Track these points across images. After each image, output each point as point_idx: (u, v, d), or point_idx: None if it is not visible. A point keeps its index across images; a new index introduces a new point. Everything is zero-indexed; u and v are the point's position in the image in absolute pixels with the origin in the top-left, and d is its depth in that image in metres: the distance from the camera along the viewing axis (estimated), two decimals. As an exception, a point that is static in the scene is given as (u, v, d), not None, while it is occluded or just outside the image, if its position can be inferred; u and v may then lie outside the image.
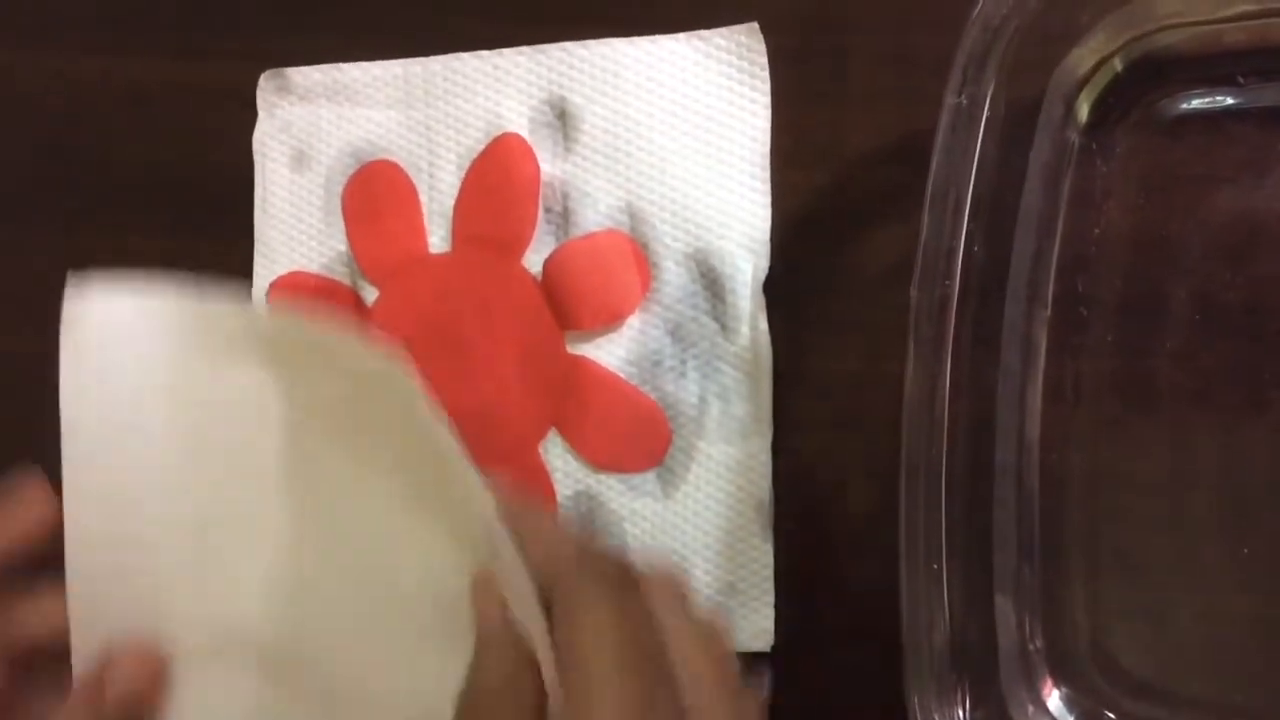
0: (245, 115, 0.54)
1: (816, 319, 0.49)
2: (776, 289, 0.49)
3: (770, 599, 0.48)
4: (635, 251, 0.50)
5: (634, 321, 0.50)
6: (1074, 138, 0.45)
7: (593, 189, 0.50)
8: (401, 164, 0.53)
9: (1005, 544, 0.44)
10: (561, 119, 0.51)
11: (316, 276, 0.54)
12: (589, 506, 0.50)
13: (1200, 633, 0.44)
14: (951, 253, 0.41)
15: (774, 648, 0.48)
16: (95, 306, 0.41)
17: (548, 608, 0.35)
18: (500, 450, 0.50)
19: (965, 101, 0.41)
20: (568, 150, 0.51)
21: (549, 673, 0.35)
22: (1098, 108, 0.45)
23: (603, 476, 0.50)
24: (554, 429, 0.51)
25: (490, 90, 0.52)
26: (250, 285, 0.54)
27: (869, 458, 0.46)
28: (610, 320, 0.50)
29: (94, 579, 0.41)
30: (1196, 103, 0.44)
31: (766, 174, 0.49)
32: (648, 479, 0.50)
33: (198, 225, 0.55)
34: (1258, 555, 0.43)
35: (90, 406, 0.42)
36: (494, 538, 0.36)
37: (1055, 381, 0.45)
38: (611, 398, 0.50)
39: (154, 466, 0.41)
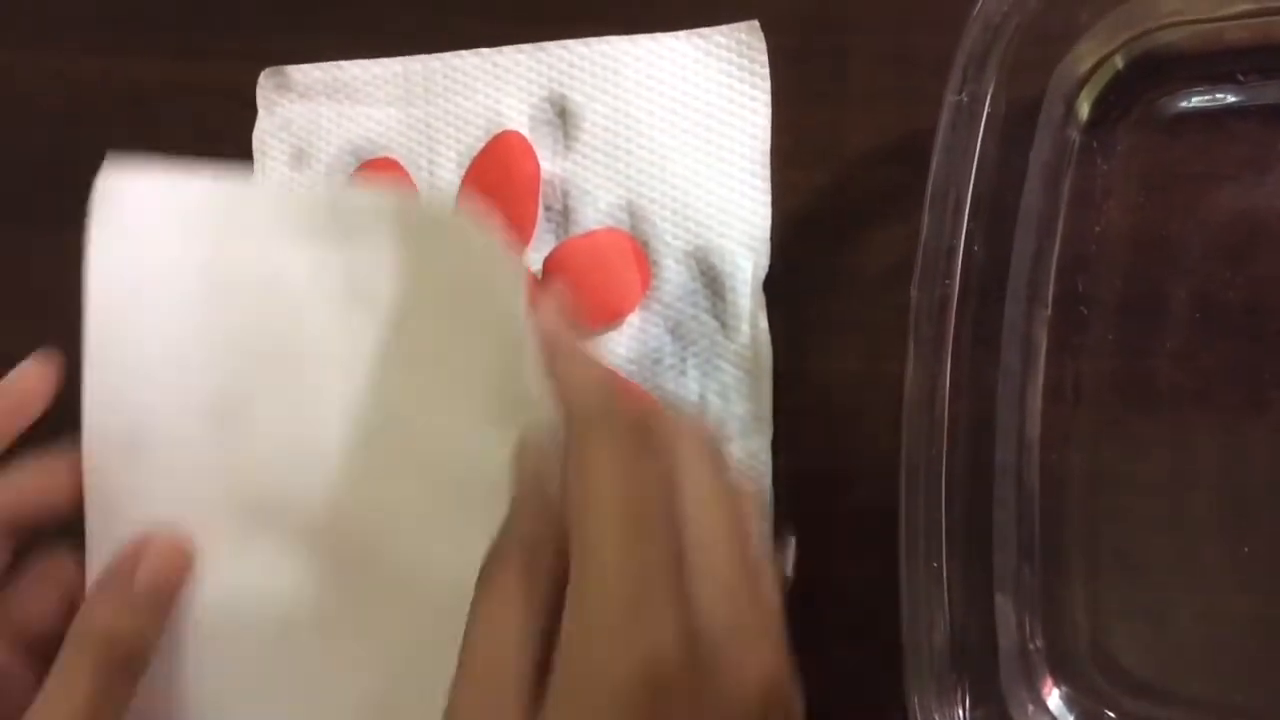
0: (245, 115, 0.54)
1: (816, 319, 0.48)
2: (776, 288, 0.49)
3: (770, 598, 0.48)
4: (635, 249, 0.50)
5: (634, 320, 0.50)
6: (1075, 136, 0.45)
7: (593, 187, 0.50)
8: (401, 162, 0.53)
9: (1005, 544, 0.44)
10: (562, 117, 0.51)
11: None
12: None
13: (1200, 633, 0.44)
14: (952, 252, 0.41)
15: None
16: (129, 183, 0.41)
17: None
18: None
19: (966, 99, 0.41)
20: (568, 148, 0.51)
21: None
22: (1098, 106, 0.45)
23: (603, 476, 0.50)
24: (554, 428, 0.51)
25: (490, 88, 0.52)
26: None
27: (869, 458, 0.46)
28: (610, 318, 0.50)
29: (110, 464, 0.41)
30: (1197, 100, 0.44)
31: (767, 172, 0.49)
32: (648, 478, 0.50)
33: (198, 224, 0.55)
34: (1258, 555, 0.43)
35: (117, 282, 0.41)
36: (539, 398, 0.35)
37: (1055, 381, 0.45)
38: (611, 397, 0.50)
39: (182, 342, 0.41)
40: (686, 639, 0.33)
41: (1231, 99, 0.44)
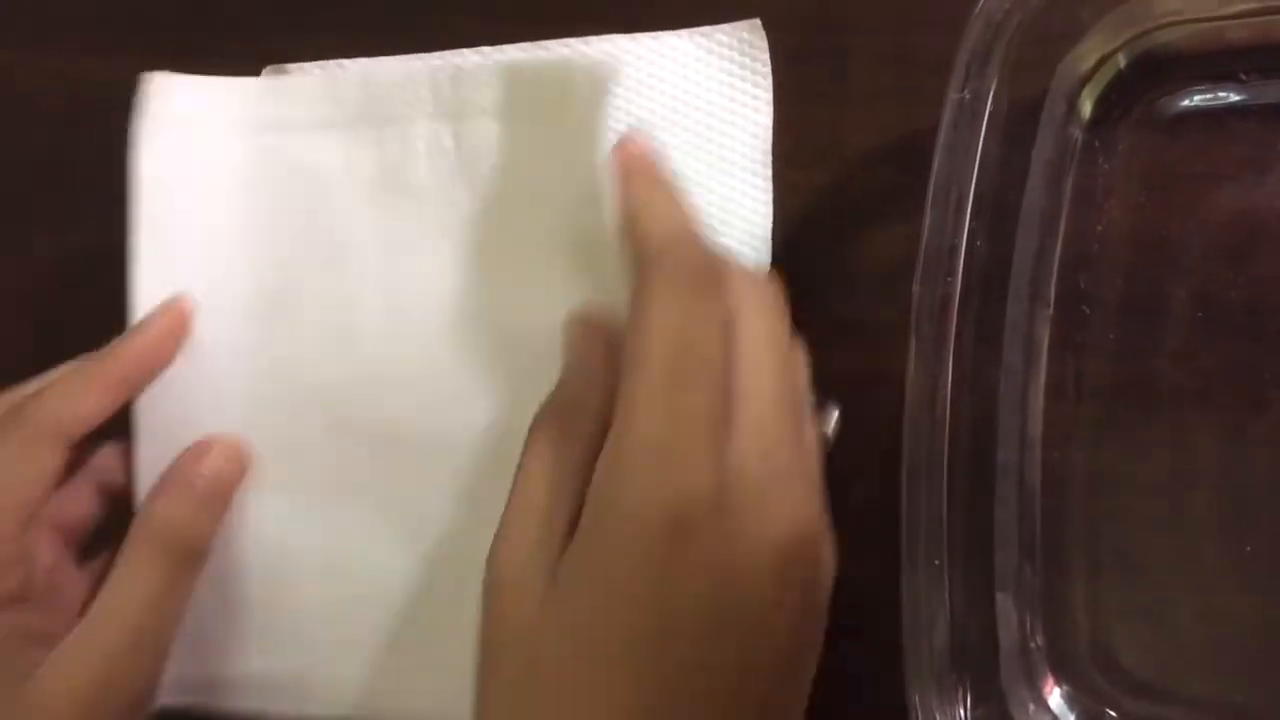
0: (245, 114, 0.54)
1: (816, 319, 0.48)
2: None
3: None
4: (636, 250, 0.50)
5: (634, 320, 0.50)
6: (1076, 135, 0.45)
7: (594, 187, 0.50)
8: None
9: (1006, 543, 0.44)
10: (562, 116, 0.51)
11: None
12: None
13: (1200, 632, 0.44)
14: (954, 250, 0.41)
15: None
16: (176, 82, 0.41)
17: None
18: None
19: (968, 97, 0.41)
20: (569, 148, 0.51)
21: None
22: (1100, 104, 0.45)
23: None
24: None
25: (491, 88, 0.52)
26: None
27: (869, 457, 0.46)
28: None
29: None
30: (1198, 99, 0.44)
31: (768, 171, 0.49)
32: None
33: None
34: (1258, 555, 0.43)
35: (165, 178, 0.42)
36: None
37: (1057, 380, 0.45)
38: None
39: (231, 234, 0.42)
40: (719, 483, 0.34)
41: (1233, 98, 0.44)
